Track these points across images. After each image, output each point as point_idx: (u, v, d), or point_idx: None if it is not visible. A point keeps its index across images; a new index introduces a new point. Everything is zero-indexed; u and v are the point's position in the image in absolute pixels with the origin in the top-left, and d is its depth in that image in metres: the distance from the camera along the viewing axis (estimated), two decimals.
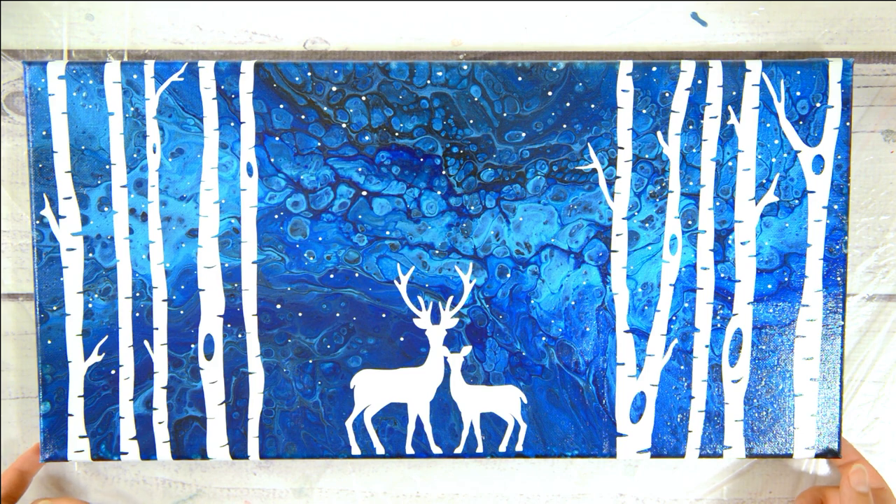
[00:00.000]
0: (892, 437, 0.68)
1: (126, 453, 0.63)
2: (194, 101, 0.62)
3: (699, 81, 0.63)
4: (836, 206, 0.63)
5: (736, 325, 0.64)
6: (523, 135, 0.63)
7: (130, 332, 0.63)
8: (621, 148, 0.63)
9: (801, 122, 0.63)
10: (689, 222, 0.63)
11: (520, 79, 0.62)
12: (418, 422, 0.64)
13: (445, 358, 0.64)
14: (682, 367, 0.64)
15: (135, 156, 0.63)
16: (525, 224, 0.63)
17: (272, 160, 0.63)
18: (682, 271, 0.63)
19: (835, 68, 0.62)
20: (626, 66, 0.62)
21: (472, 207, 0.63)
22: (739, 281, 0.63)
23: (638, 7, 0.65)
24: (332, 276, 0.63)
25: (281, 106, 0.62)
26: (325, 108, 0.63)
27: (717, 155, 0.63)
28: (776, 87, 0.63)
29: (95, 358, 0.63)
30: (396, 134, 0.63)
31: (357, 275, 0.63)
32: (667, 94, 0.63)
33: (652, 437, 0.64)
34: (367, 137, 0.63)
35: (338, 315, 0.63)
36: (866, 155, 0.66)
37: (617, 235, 0.63)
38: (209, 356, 0.63)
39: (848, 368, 0.67)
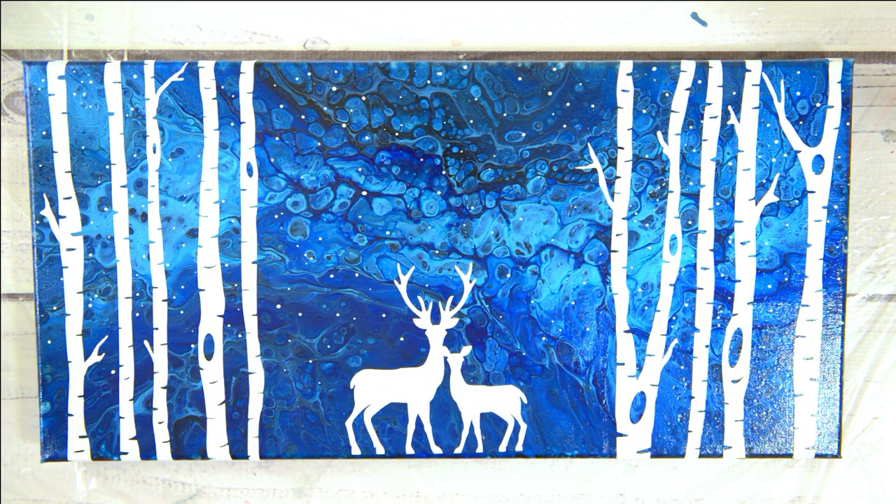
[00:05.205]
0: (892, 437, 0.67)
1: (126, 453, 0.63)
2: (194, 101, 0.62)
3: (699, 81, 0.63)
4: (836, 206, 0.63)
5: (736, 325, 0.64)
6: (523, 135, 0.63)
7: (130, 332, 0.63)
8: (621, 148, 0.63)
9: (801, 122, 0.63)
10: (689, 222, 0.63)
11: (520, 79, 0.62)
12: (418, 422, 0.64)
13: (445, 358, 0.64)
14: (682, 367, 0.64)
15: (135, 156, 0.63)
16: (525, 224, 0.63)
17: (272, 160, 0.63)
18: (682, 271, 0.63)
19: (835, 68, 0.62)
20: (626, 66, 0.62)
21: (472, 207, 0.63)
22: (739, 281, 0.63)
23: (638, 7, 0.65)
24: (332, 276, 0.63)
25: (281, 106, 0.62)
26: (325, 108, 0.63)
27: (717, 155, 0.63)
28: (776, 87, 0.63)
29: (95, 358, 0.63)
30: (396, 134, 0.63)
31: (357, 275, 0.63)
32: (667, 94, 0.63)
33: (652, 437, 0.64)
34: (367, 137, 0.63)
35: (338, 315, 0.63)
36: (866, 155, 0.66)
37: (617, 235, 0.63)
38: (209, 356, 0.63)
39: (848, 369, 0.67)
